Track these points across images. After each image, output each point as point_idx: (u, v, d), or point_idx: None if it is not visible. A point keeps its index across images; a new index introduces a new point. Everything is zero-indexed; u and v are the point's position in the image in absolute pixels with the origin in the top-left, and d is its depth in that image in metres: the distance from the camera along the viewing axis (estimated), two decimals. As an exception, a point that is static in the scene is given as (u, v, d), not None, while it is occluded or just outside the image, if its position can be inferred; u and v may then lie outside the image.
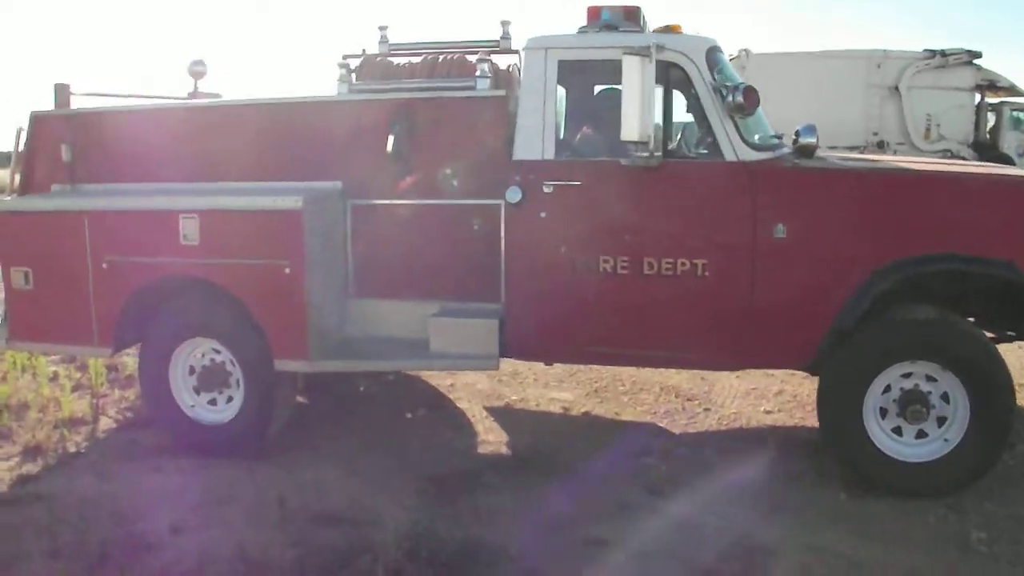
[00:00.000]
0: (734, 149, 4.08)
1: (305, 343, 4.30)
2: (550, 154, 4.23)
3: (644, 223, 4.14)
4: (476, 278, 4.44)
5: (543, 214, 4.21)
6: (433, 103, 4.43)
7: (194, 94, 5.43)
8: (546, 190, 4.20)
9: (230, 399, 4.58)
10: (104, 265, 4.46)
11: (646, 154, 3.96)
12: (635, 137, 3.86)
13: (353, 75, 4.68)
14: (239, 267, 4.29)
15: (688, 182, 4.15)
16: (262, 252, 4.26)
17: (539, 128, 4.23)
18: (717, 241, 4.07)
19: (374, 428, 5.15)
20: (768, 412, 5.39)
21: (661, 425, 5.20)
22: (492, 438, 5.00)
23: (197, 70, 5.43)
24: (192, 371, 4.62)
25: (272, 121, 4.63)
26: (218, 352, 4.55)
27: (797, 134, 4.21)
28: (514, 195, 4.22)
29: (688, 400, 5.59)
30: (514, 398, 5.70)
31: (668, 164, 4.09)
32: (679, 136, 4.84)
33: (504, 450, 4.80)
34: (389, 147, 4.32)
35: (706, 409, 5.44)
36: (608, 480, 4.30)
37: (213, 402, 4.61)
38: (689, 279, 4.08)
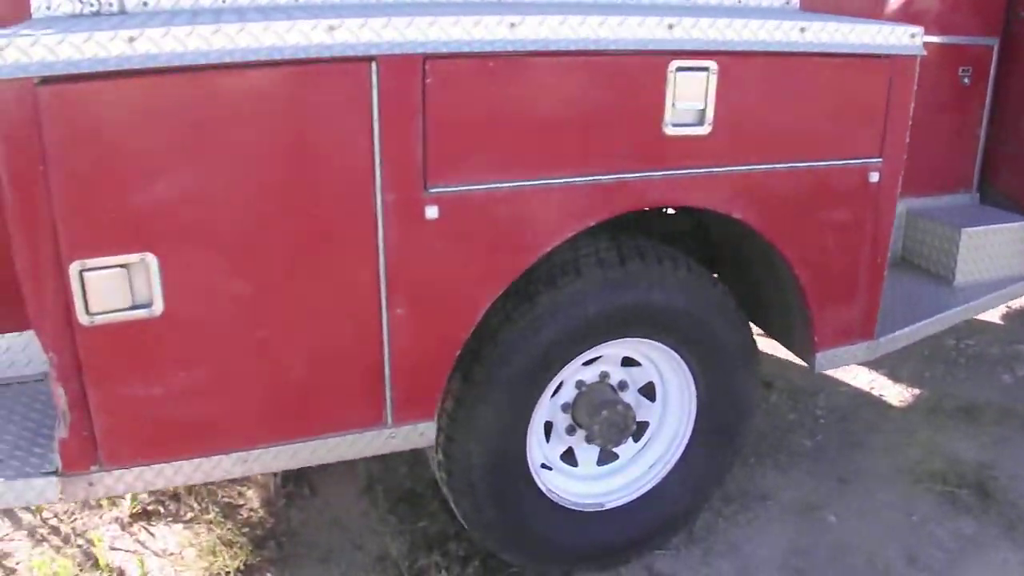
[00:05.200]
0: None
1: (875, 308, 2.30)
2: None
3: None
4: (951, 157, 3.04)
5: None
6: None
7: None
8: None
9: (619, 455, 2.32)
10: (427, 201, 1.69)
11: None
12: None
13: None
14: (776, 177, 2.02)
15: None
16: (829, 142, 2.06)
17: None
18: None
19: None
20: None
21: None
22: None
23: None
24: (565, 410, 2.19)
25: None
26: (634, 365, 2.21)
27: None
28: None
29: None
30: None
31: None
32: None
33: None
34: None
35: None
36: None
37: (573, 460, 2.27)
38: None
